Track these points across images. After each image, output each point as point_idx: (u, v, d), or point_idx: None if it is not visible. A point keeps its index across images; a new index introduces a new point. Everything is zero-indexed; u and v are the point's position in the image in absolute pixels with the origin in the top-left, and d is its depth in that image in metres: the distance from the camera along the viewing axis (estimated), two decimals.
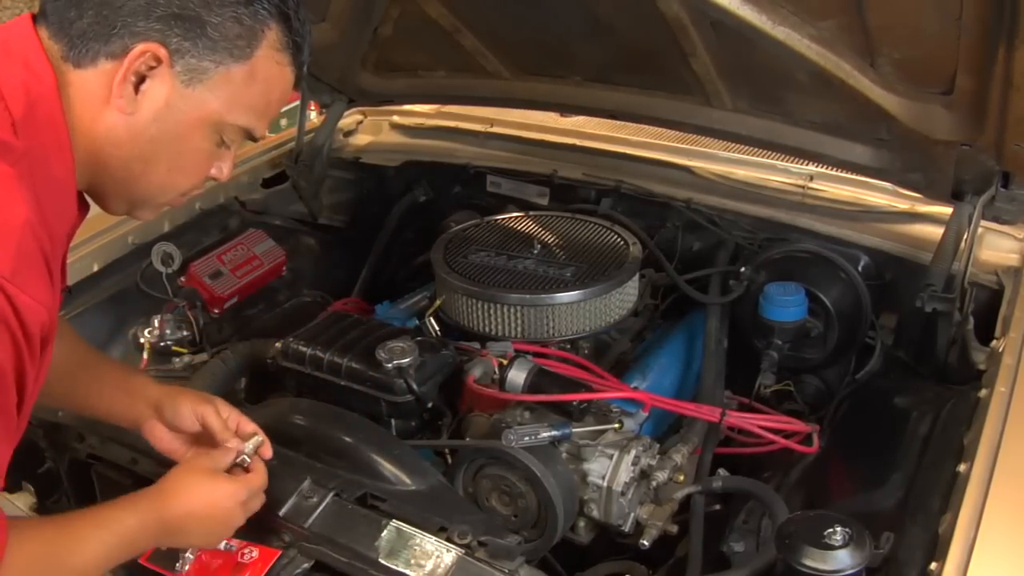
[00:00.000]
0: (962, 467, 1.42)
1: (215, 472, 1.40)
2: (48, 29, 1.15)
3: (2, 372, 1.04)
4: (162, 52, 1.13)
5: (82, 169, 1.19)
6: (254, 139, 1.29)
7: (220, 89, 1.18)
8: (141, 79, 1.14)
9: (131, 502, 1.32)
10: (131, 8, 1.12)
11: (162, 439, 1.53)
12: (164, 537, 1.36)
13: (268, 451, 1.50)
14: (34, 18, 1.17)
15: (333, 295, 2.49)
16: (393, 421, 1.80)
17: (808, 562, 1.26)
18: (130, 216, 1.34)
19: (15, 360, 1.05)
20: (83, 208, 1.28)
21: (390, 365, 1.74)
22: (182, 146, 1.22)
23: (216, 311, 2.27)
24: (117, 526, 1.27)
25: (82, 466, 1.76)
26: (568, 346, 1.99)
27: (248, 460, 1.46)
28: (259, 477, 1.44)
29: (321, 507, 1.48)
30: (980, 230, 1.90)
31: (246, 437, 1.49)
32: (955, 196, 1.88)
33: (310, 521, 1.47)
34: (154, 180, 1.24)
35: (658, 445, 1.77)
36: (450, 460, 1.78)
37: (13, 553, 1.11)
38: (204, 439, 1.51)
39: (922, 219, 2.13)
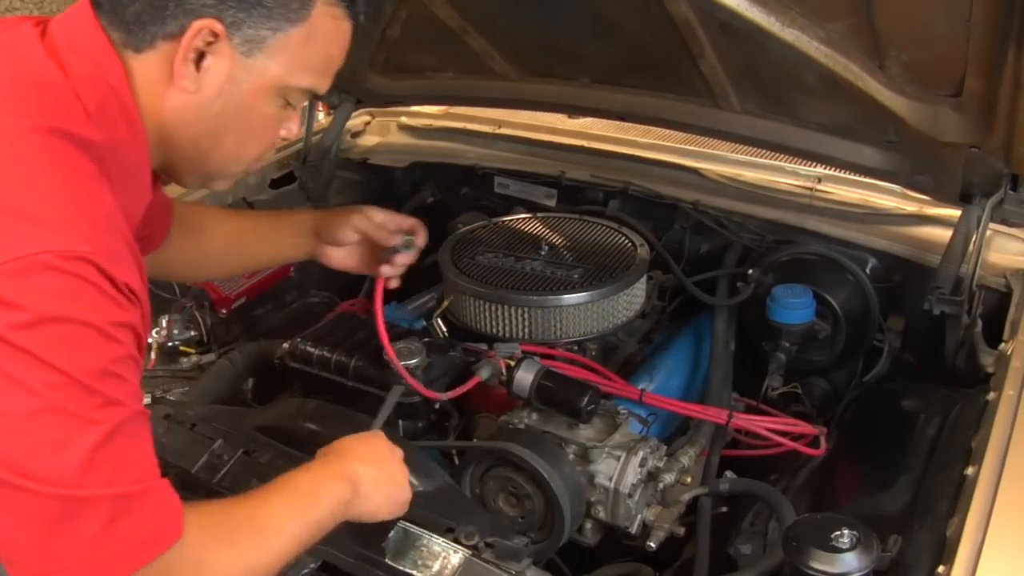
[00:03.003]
0: (970, 470, 1.42)
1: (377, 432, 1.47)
2: (103, 17, 1.14)
3: (125, 340, 1.04)
4: (218, 27, 1.12)
5: (153, 151, 1.20)
6: (318, 97, 1.29)
7: (280, 55, 1.18)
8: (201, 56, 1.14)
9: (303, 466, 1.32)
10: None
11: (334, 259, 1.80)
12: (350, 496, 1.31)
13: (420, 239, 1.78)
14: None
15: (340, 296, 2.49)
16: (400, 422, 1.80)
17: (815, 565, 1.26)
18: (206, 188, 1.37)
19: (134, 333, 1.06)
20: (157, 183, 1.31)
21: None
22: (248, 116, 1.22)
23: (224, 311, 2.28)
24: (293, 484, 1.25)
25: None
26: (575, 347, 1.99)
27: (405, 249, 1.76)
28: None
29: None
30: (988, 233, 1.89)
31: (406, 230, 1.77)
32: (963, 198, 1.88)
33: None
34: (225, 153, 1.25)
35: (665, 447, 1.77)
36: (457, 461, 1.78)
37: (195, 523, 1.09)
38: (371, 244, 1.77)
39: (930, 221, 2.13)
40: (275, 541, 1.18)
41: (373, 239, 1.75)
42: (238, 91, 1.18)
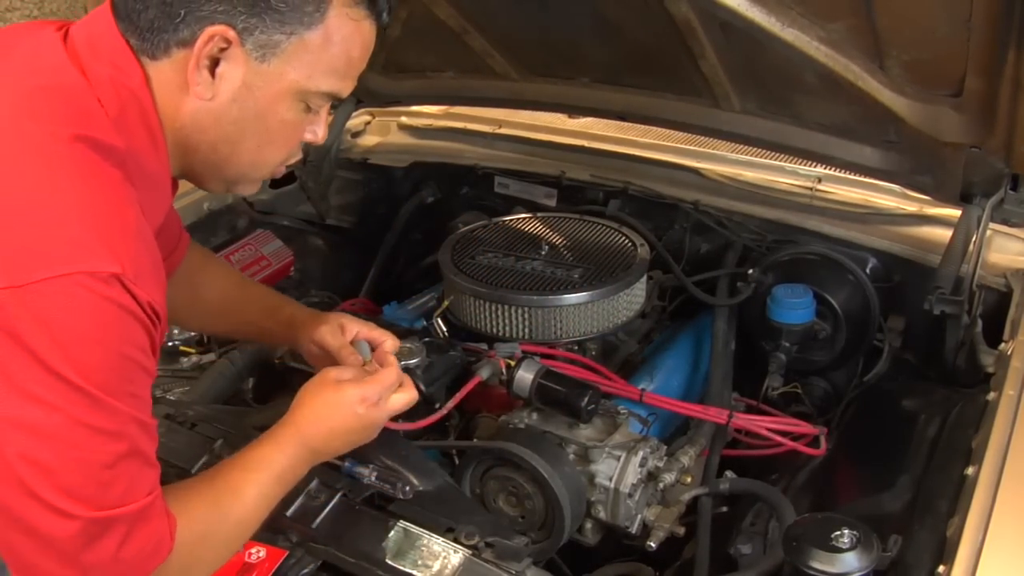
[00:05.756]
0: (970, 470, 1.42)
1: (339, 382, 1.43)
2: (121, 24, 1.14)
3: (147, 363, 1.08)
4: (230, 33, 1.11)
5: (172, 158, 1.20)
6: (340, 100, 1.26)
7: (296, 59, 1.15)
8: (215, 63, 1.13)
9: (274, 440, 1.35)
10: None
11: (315, 360, 1.65)
12: (316, 458, 1.40)
13: (389, 345, 1.59)
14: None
15: (341, 296, 2.49)
16: (400, 421, 1.80)
17: (815, 564, 1.26)
18: (231, 192, 1.34)
19: (152, 350, 1.09)
20: (174, 188, 1.30)
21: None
22: (267, 122, 1.20)
23: None
24: (268, 466, 1.31)
25: None
26: (575, 347, 1.99)
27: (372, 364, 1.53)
28: (390, 373, 1.47)
29: (328, 507, 1.48)
30: (989, 233, 1.89)
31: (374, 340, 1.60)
32: (964, 198, 1.88)
33: (317, 521, 1.47)
34: (245, 159, 1.24)
35: (665, 447, 1.77)
36: (457, 461, 1.78)
37: (182, 525, 1.14)
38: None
39: (930, 221, 2.13)
40: (248, 528, 1.28)
41: (333, 355, 1.60)
42: (254, 97, 1.17)
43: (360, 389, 1.42)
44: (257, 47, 1.13)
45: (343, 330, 1.62)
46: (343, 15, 1.16)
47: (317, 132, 1.28)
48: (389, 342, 1.61)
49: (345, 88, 1.23)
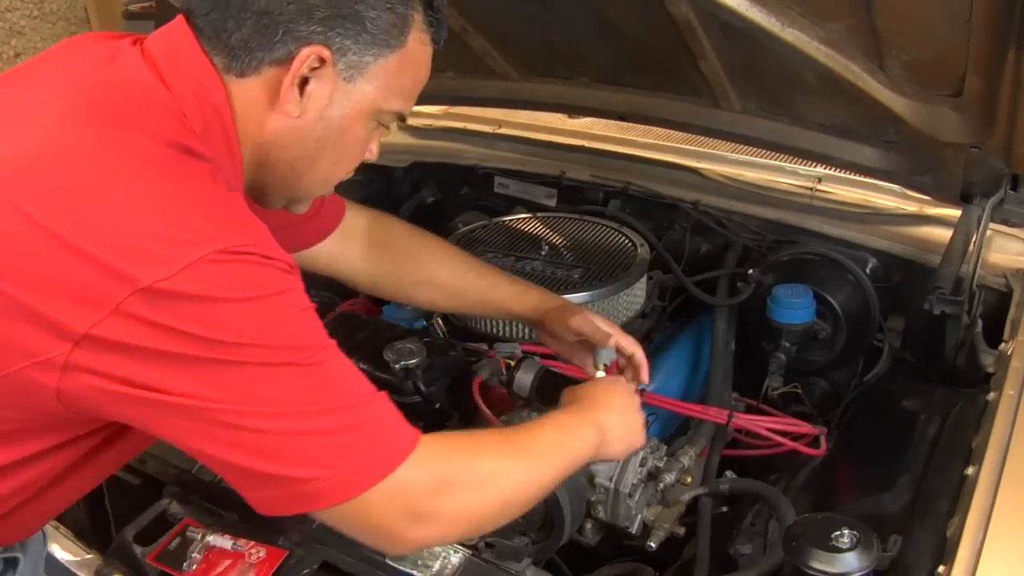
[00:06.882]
0: (970, 470, 1.42)
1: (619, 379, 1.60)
2: (205, 42, 1.15)
3: (307, 303, 1.10)
4: (326, 53, 1.14)
5: (245, 174, 1.22)
6: (403, 119, 1.31)
7: (377, 79, 1.20)
8: (305, 81, 1.15)
9: (563, 409, 1.47)
10: (291, 13, 1.12)
11: (550, 345, 1.77)
12: (599, 443, 1.41)
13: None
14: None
15: (341, 295, 2.49)
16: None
17: (815, 564, 1.26)
18: (287, 210, 1.37)
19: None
20: None
21: (398, 366, 1.74)
22: (345, 139, 1.24)
23: None
24: (560, 421, 1.40)
25: None
26: None
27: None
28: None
29: None
30: (989, 233, 1.89)
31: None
32: (964, 198, 1.88)
33: (318, 521, 1.47)
34: (318, 176, 1.28)
35: (665, 447, 1.77)
36: None
37: (482, 440, 1.25)
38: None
39: (930, 221, 2.13)
40: (539, 465, 1.28)
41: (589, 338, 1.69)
42: (338, 116, 1.20)
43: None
44: (347, 67, 1.17)
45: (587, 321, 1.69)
46: (417, 40, 1.22)
47: (373, 150, 1.33)
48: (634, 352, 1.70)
49: (409, 107, 1.29)
